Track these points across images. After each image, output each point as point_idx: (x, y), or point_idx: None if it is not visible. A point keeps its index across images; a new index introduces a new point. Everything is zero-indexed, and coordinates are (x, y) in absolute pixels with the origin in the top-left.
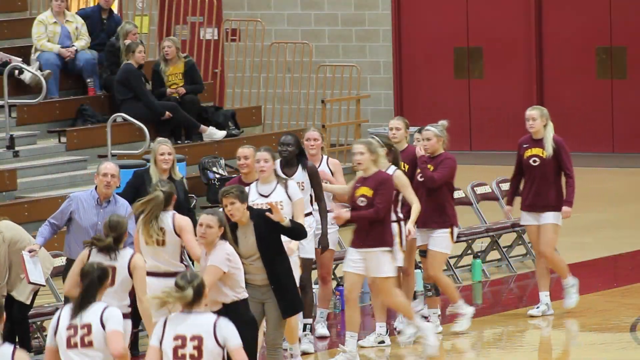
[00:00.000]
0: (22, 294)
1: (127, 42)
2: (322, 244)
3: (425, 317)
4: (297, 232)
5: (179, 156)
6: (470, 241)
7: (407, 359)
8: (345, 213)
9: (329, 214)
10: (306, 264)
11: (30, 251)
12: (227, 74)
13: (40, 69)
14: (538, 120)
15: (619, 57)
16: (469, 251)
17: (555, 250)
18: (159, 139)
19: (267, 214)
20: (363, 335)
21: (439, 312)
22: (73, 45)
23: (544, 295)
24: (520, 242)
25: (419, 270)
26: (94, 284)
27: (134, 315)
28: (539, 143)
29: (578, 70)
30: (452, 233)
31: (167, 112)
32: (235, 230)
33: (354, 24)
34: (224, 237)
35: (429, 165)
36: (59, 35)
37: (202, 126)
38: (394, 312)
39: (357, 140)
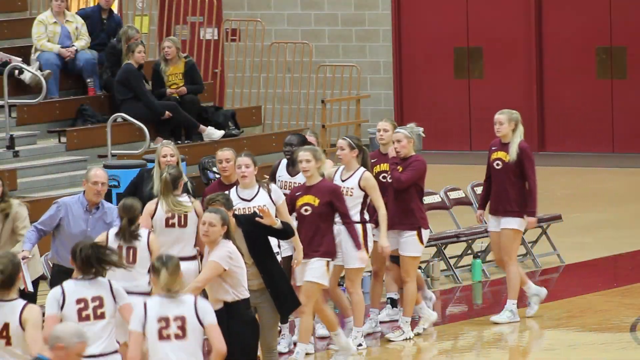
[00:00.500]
0: None
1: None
2: None
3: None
4: (286, 232)
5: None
6: (470, 241)
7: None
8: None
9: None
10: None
11: (23, 259)
12: (227, 74)
13: (40, 69)
14: (505, 124)
15: (619, 57)
16: (469, 251)
17: (515, 260)
18: (163, 141)
19: (258, 219)
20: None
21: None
22: (73, 45)
23: (511, 303)
24: (520, 242)
25: (419, 271)
26: (90, 261)
27: None
28: (505, 147)
29: (578, 70)
30: (419, 235)
31: (167, 112)
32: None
33: (354, 24)
34: (228, 236)
35: (398, 167)
36: (59, 35)
37: (202, 126)
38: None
39: (303, 147)
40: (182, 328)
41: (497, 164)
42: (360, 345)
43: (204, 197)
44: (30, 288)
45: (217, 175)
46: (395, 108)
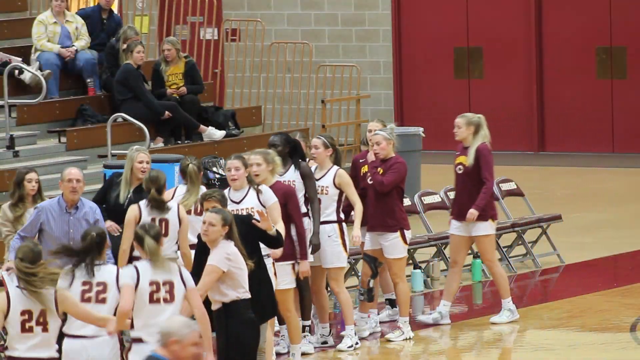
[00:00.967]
0: None
1: (125, 46)
2: (313, 242)
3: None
4: (277, 240)
5: (179, 156)
6: None
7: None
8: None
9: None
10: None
11: (7, 269)
12: (227, 74)
13: (40, 69)
14: (463, 128)
15: (619, 57)
16: (469, 251)
17: (497, 262)
18: (136, 146)
19: (254, 221)
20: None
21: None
22: (73, 45)
23: (442, 304)
24: (520, 242)
25: (419, 271)
26: (92, 248)
27: None
28: (466, 151)
29: (578, 70)
30: (402, 236)
31: (166, 112)
32: None
33: (354, 24)
34: (230, 236)
35: (379, 169)
36: (59, 35)
37: (202, 126)
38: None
39: (254, 150)
40: (171, 292)
41: (459, 169)
42: (356, 343)
43: None
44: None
45: (217, 175)
46: (395, 108)
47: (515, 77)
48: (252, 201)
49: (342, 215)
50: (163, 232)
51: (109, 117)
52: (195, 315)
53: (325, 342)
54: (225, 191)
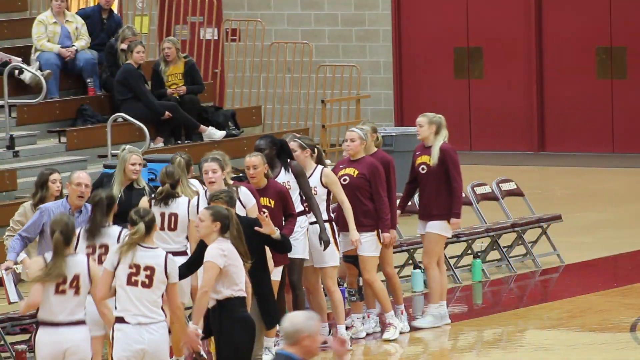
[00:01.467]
0: None
1: (123, 46)
2: (323, 238)
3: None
4: (284, 245)
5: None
6: (470, 241)
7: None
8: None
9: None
10: (296, 265)
11: (6, 269)
12: (227, 74)
13: (40, 69)
14: (425, 127)
15: (619, 57)
16: (469, 251)
17: (436, 265)
18: (129, 147)
19: (257, 228)
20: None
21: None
22: (73, 45)
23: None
24: (520, 242)
25: (419, 271)
26: (102, 210)
27: None
28: (428, 150)
29: (578, 70)
30: (378, 235)
31: (166, 112)
32: None
33: (354, 24)
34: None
35: (353, 169)
36: (59, 35)
37: (202, 126)
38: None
39: (210, 157)
40: (150, 277)
41: (422, 168)
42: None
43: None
44: (14, 298)
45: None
46: (395, 108)
47: (515, 77)
48: None
49: (332, 215)
50: (172, 226)
51: (109, 117)
52: (170, 308)
53: (324, 342)
54: (202, 194)
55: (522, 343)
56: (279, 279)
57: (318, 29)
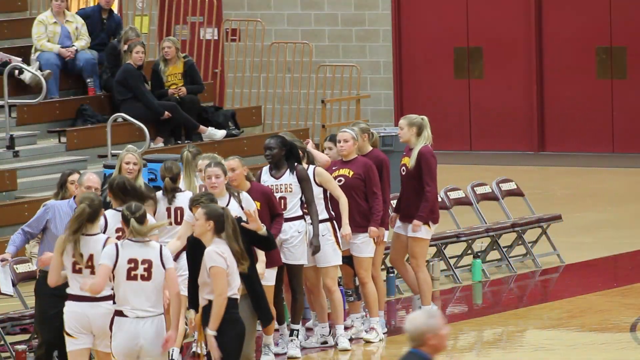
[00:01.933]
0: None
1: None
2: (314, 243)
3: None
4: (270, 242)
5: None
6: (470, 241)
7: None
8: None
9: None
10: (296, 271)
11: (1, 260)
12: (227, 74)
13: (40, 69)
14: (405, 129)
15: (619, 57)
16: (469, 251)
17: (423, 267)
18: (128, 146)
19: (243, 223)
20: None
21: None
22: (73, 45)
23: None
24: (520, 242)
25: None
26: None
27: None
28: (410, 153)
29: (578, 70)
30: (370, 235)
31: (166, 112)
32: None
33: (354, 24)
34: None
35: (347, 170)
36: (59, 35)
37: (202, 126)
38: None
39: (214, 162)
40: (148, 271)
41: (403, 170)
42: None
43: None
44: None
45: None
46: (395, 108)
47: (515, 77)
48: (235, 209)
49: (332, 213)
50: (179, 220)
51: (109, 117)
52: (170, 294)
53: (325, 342)
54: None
55: (522, 343)
56: (273, 283)
57: (318, 29)
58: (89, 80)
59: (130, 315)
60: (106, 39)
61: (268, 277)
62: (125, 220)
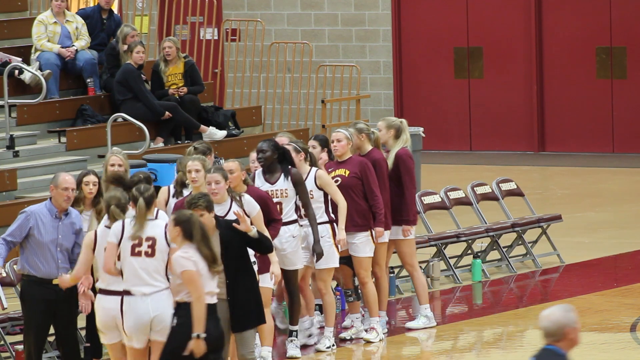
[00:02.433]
0: None
1: (125, 47)
2: (316, 250)
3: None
4: (264, 245)
5: (179, 156)
6: (470, 241)
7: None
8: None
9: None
10: (290, 275)
11: None
12: (227, 74)
13: (40, 69)
14: (383, 131)
15: (619, 57)
16: (469, 251)
17: (417, 267)
18: (114, 148)
19: (234, 224)
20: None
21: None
22: (73, 45)
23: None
24: (520, 242)
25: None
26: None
27: None
28: (387, 155)
29: (578, 70)
30: (372, 235)
31: (166, 112)
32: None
33: (354, 24)
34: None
35: (343, 170)
36: (59, 35)
37: (202, 126)
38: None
39: (214, 168)
40: (152, 247)
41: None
42: (333, 345)
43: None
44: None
45: None
46: (395, 108)
47: (515, 77)
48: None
49: (332, 216)
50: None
51: (109, 117)
52: (172, 271)
53: (310, 335)
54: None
55: (522, 343)
56: (270, 286)
57: (318, 29)
58: (89, 80)
59: (136, 293)
60: (106, 39)
61: (264, 280)
62: (134, 199)
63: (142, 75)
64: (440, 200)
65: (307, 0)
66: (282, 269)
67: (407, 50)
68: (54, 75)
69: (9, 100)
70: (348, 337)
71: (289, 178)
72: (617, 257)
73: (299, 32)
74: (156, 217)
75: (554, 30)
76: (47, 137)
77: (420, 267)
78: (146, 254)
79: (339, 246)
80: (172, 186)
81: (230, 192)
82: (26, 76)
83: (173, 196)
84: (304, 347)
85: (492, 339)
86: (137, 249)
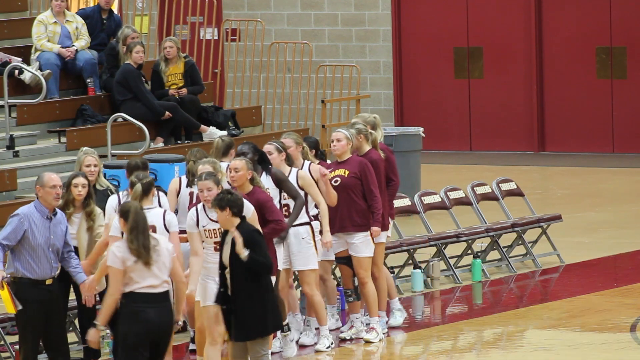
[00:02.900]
0: None
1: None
2: (282, 235)
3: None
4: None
5: (179, 156)
6: (470, 241)
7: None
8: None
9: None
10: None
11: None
12: (227, 74)
13: (40, 69)
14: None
15: (619, 57)
16: (469, 251)
17: (381, 269)
18: (85, 148)
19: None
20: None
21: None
22: (73, 45)
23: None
24: (520, 242)
25: (419, 271)
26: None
27: None
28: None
29: (578, 70)
30: (371, 235)
31: (166, 112)
32: (225, 235)
33: (354, 24)
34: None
35: (343, 170)
36: (59, 35)
37: (202, 126)
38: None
39: (205, 174)
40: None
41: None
42: (332, 344)
43: None
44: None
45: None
46: (395, 108)
47: (515, 77)
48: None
49: (312, 216)
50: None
51: (109, 117)
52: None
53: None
54: (200, 209)
55: (522, 343)
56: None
57: (318, 29)
58: (89, 80)
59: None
60: (106, 39)
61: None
62: (132, 185)
63: (142, 76)
64: (440, 200)
65: (307, 0)
66: (279, 269)
67: (407, 50)
68: (54, 75)
69: (9, 100)
70: (348, 337)
71: (269, 176)
72: (617, 257)
73: (299, 32)
74: (160, 204)
75: (554, 30)
76: (47, 137)
77: (420, 267)
78: None
79: (326, 249)
80: (184, 177)
81: (259, 184)
82: (26, 76)
83: (187, 186)
84: (302, 347)
85: (492, 339)
86: None
